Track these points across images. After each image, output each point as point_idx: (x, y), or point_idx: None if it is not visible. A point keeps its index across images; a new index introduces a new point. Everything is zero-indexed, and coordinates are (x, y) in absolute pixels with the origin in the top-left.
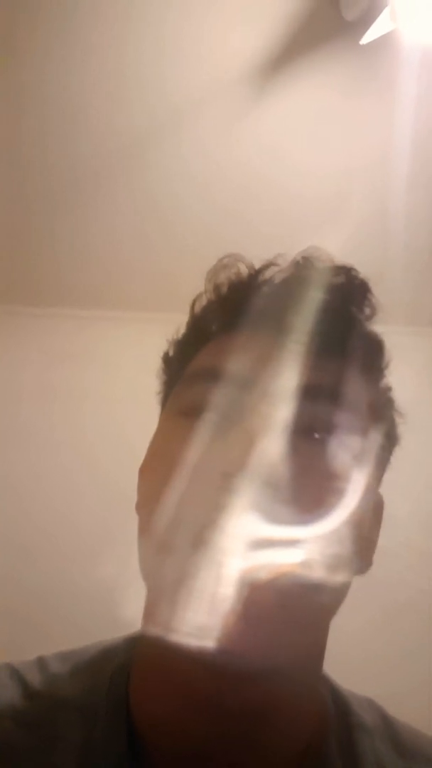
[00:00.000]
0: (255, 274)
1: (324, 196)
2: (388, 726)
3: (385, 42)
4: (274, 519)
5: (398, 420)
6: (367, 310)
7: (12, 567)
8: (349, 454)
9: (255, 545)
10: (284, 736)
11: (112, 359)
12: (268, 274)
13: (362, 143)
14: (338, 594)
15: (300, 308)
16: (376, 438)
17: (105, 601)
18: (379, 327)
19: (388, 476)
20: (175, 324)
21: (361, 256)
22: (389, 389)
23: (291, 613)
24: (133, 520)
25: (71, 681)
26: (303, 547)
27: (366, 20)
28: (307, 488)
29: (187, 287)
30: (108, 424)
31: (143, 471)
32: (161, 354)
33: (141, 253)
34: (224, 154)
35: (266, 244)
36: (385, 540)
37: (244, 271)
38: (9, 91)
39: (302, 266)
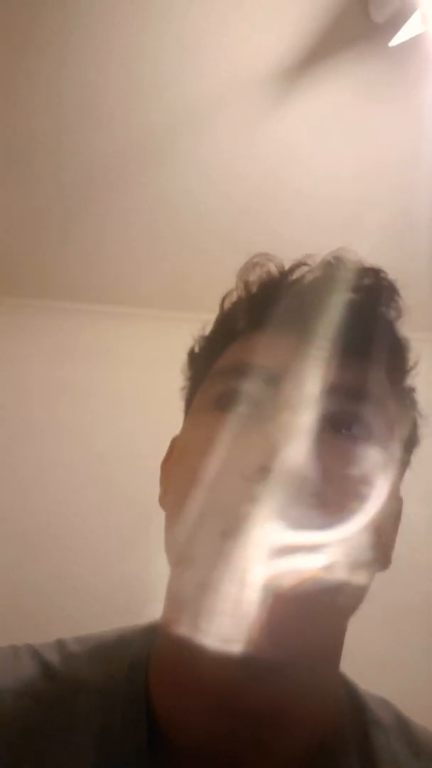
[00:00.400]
0: (285, 274)
1: (345, 199)
2: (403, 725)
3: (413, 45)
4: (300, 524)
5: (420, 421)
6: (394, 312)
7: (16, 561)
8: (375, 455)
9: (279, 552)
10: (300, 735)
11: (119, 355)
12: (298, 273)
13: (386, 147)
14: (359, 595)
15: (329, 308)
16: (400, 439)
17: (109, 595)
18: (408, 333)
19: (406, 481)
20: (184, 322)
21: (380, 259)
22: (413, 390)
23: (313, 617)
24: (139, 517)
25: (90, 665)
26: (326, 551)
27: (395, 23)
28: (332, 490)
29: (198, 287)
30: (114, 419)
31: (170, 464)
32: (171, 351)
33: (152, 250)
34: (242, 154)
35: (281, 245)
36: (399, 545)
37: (274, 270)
38: (24, 85)
39: (332, 267)
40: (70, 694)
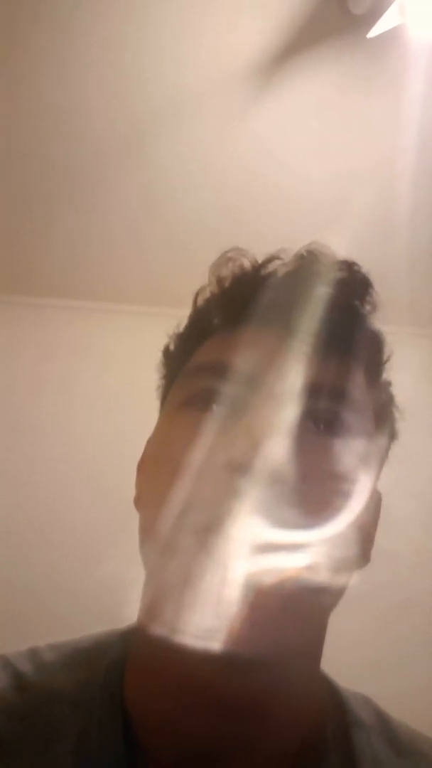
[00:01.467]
0: (258, 268)
1: (324, 196)
2: (384, 723)
3: (392, 37)
4: (281, 522)
5: (397, 416)
6: (369, 306)
7: (4, 559)
8: (354, 451)
9: (260, 549)
10: (281, 734)
11: (106, 351)
12: (271, 267)
13: (365, 142)
14: (339, 593)
15: (303, 303)
16: (379, 434)
17: (98, 593)
18: (382, 326)
19: (390, 478)
20: (169, 318)
21: (361, 256)
22: (389, 384)
23: (294, 615)
24: (126, 513)
25: (64, 673)
26: (309, 551)
27: (373, 14)
28: (313, 489)
29: (183, 283)
30: (101, 416)
31: (144, 466)
32: (157, 347)
33: (137, 247)
34: (223, 151)
35: (263, 242)
36: (387, 541)
37: (247, 264)
38: (7, 84)
39: (306, 260)
40: (44, 705)
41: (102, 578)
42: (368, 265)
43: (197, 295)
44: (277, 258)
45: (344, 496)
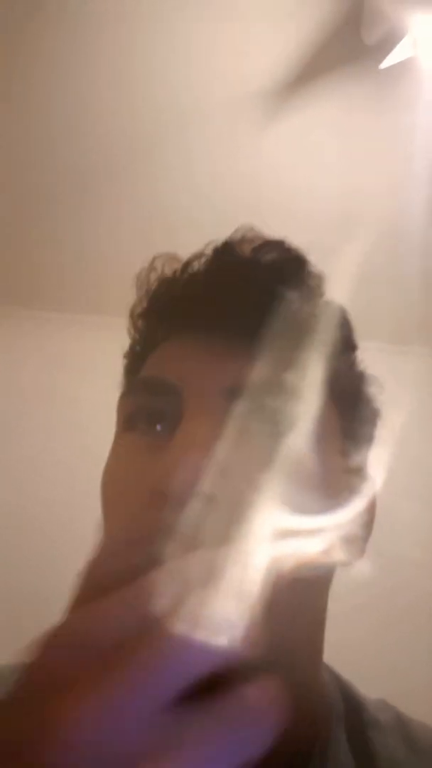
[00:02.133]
0: (183, 269)
1: (331, 218)
2: (402, 724)
3: (404, 68)
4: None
5: (375, 392)
6: (304, 286)
7: (6, 565)
8: (317, 443)
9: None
10: (281, 736)
11: (110, 366)
12: (195, 266)
13: (373, 168)
14: (329, 581)
15: (225, 298)
16: (353, 414)
17: None
18: (396, 347)
19: (398, 482)
20: None
21: (371, 279)
22: (355, 362)
23: (302, 602)
24: None
25: None
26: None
27: (386, 45)
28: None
29: None
30: (104, 429)
31: (101, 485)
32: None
33: (142, 263)
34: (232, 170)
35: None
36: (395, 545)
37: (169, 270)
38: (15, 92)
39: (222, 252)
40: None
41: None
42: (379, 285)
43: (131, 311)
44: (202, 255)
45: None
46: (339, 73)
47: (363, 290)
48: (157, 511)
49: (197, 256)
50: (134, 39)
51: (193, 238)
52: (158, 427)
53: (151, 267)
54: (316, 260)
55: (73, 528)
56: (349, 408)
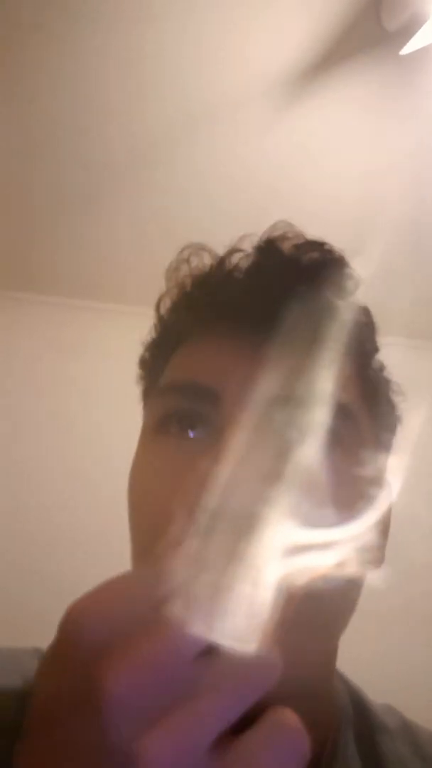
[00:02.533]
0: (219, 264)
1: (351, 208)
2: (409, 730)
3: (425, 54)
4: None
5: (398, 399)
6: (345, 292)
7: (12, 557)
8: (351, 459)
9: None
10: None
11: (107, 351)
12: (233, 262)
13: (394, 154)
14: (356, 595)
15: (270, 299)
16: (379, 429)
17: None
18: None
19: (421, 489)
20: None
21: (390, 265)
22: (382, 368)
23: (318, 617)
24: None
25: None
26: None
27: (407, 31)
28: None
29: None
30: (101, 416)
31: (129, 495)
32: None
33: (141, 248)
34: (250, 158)
35: None
36: (415, 552)
37: (206, 262)
38: (26, 83)
39: (265, 250)
40: None
41: (101, 574)
42: (397, 273)
43: (158, 302)
44: (239, 250)
45: (360, 494)
46: (359, 59)
47: (382, 282)
48: (191, 524)
49: (233, 251)
50: (148, 35)
51: (193, 230)
52: (191, 433)
53: (182, 258)
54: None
55: (68, 514)
56: (376, 415)
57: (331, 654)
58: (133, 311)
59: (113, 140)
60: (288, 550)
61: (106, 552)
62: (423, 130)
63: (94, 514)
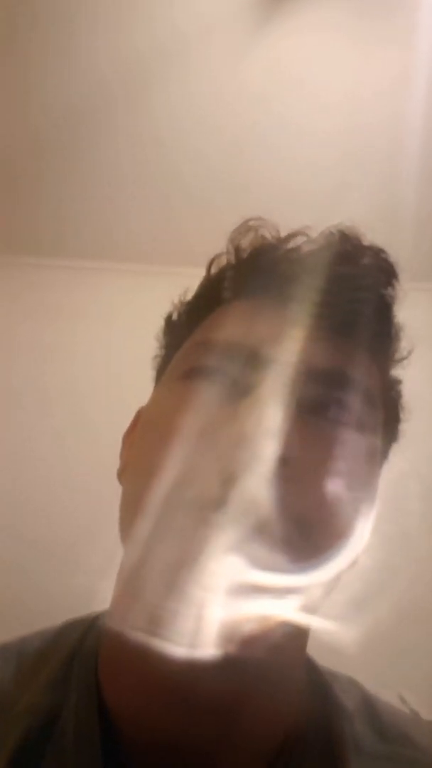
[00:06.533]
0: (281, 241)
1: (337, 128)
2: (369, 708)
3: None
4: (267, 565)
5: (402, 416)
6: (391, 296)
7: (3, 520)
8: (360, 448)
9: (241, 592)
10: (259, 730)
11: (111, 312)
12: (294, 242)
13: (378, 70)
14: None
15: (323, 283)
16: (384, 433)
17: (97, 566)
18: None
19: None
20: (174, 277)
21: (371, 195)
22: (399, 383)
23: (280, 653)
24: None
25: (42, 661)
26: (300, 594)
27: None
28: (308, 495)
29: (192, 238)
30: (105, 379)
31: (134, 435)
32: (162, 307)
33: (143, 201)
34: (232, 83)
35: (276, 186)
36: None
37: (269, 236)
38: (13, 33)
39: (334, 240)
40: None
41: (105, 546)
42: (379, 202)
43: (211, 262)
44: (302, 234)
45: (344, 514)
46: None
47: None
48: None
49: (296, 233)
50: None
51: (192, 171)
52: (215, 386)
53: (247, 227)
54: (323, 180)
55: (72, 484)
56: (387, 420)
57: (295, 668)
58: (130, 269)
59: (88, 79)
60: (236, 589)
61: (112, 519)
62: (404, 42)
63: (98, 483)
